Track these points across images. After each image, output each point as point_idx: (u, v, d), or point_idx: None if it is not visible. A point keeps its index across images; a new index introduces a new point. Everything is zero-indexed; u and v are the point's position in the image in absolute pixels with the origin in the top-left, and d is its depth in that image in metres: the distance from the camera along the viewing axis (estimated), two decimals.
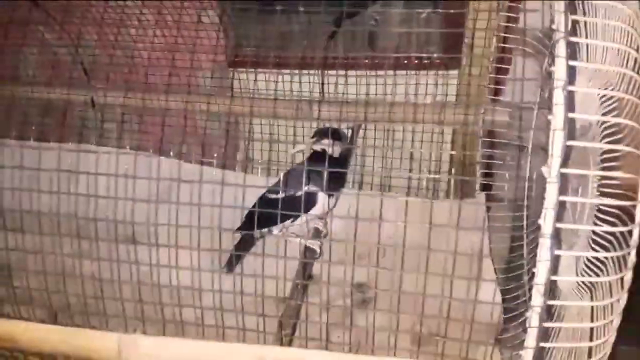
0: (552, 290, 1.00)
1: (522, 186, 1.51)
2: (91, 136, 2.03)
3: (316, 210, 1.27)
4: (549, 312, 0.85)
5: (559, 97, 0.67)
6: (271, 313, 0.87)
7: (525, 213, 1.44)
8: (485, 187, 1.62)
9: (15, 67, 2.00)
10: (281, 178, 1.28)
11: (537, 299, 0.70)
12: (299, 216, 1.22)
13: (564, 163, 0.68)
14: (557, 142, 0.66)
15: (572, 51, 0.73)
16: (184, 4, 1.56)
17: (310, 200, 1.24)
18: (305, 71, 1.75)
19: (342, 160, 1.30)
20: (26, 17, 1.75)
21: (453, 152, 1.81)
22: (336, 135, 1.29)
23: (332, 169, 1.18)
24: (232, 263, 1.15)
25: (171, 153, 1.70)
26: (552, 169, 0.67)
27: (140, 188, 0.86)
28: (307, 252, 1.24)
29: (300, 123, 1.79)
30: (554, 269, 0.73)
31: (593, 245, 0.88)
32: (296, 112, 1.70)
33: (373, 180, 1.69)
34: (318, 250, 1.26)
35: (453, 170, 1.59)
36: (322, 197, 1.25)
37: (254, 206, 1.16)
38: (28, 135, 1.88)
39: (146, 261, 0.85)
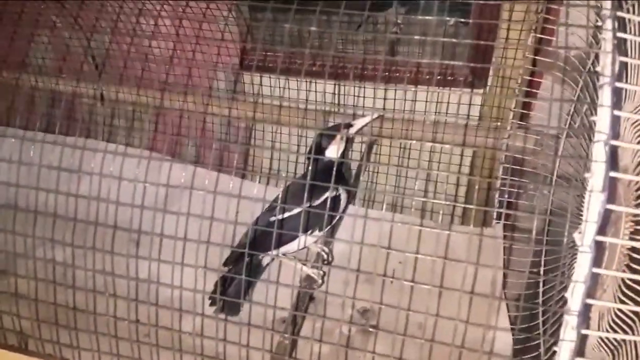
0: None
1: (542, 218, 1.41)
2: (99, 132, 1.97)
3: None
4: None
5: (600, 153, 0.57)
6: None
7: (543, 248, 1.35)
8: (504, 217, 1.52)
9: (25, 55, 1.94)
10: (280, 195, 1.15)
11: None
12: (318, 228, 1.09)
13: (601, 230, 0.58)
14: (594, 206, 0.57)
15: (618, 98, 0.63)
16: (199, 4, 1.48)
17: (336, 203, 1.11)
18: (320, 81, 1.67)
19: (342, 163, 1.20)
20: (39, 5, 1.69)
21: (475, 177, 1.70)
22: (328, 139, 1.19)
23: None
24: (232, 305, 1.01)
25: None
26: (586, 237, 0.57)
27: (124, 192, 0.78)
28: (307, 280, 1.14)
29: (309, 133, 1.70)
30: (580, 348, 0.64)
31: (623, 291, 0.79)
32: (305, 120, 1.63)
33: (385, 200, 1.60)
34: (319, 281, 1.16)
35: (475, 198, 1.48)
36: (344, 196, 1.14)
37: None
38: (33, 125, 1.84)
39: (124, 292, 0.78)
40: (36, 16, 1.70)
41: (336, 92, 1.69)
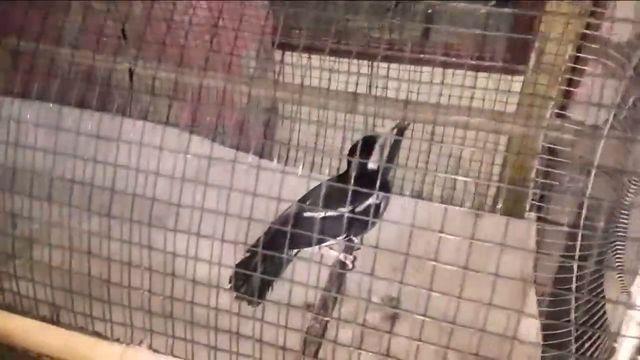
0: None
1: (578, 212, 1.37)
2: (126, 107, 1.95)
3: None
4: None
5: None
6: (293, 341, 0.77)
7: (579, 242, 1.30)
8: (537, 209, 1.48)
9: (60, 31, 1.92)
10: (319, 192, 1.12)
11: None
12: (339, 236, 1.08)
13: None
14: None
15: None
16: None
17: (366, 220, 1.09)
18: (354, 61, 1.63)
19: (383, 171, 1.16)
20: None
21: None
22: (369, 148, 1.16)
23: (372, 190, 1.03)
24: (255, 294, 0.99)
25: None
26: None
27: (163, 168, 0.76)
28: (339, 265, 1.12)
29: (343, 116, 1.67)
30: None
31: None
32: (340, 104, 1.59)
33: (414, 187, 1.57)
34: (350, 266, 1.14)
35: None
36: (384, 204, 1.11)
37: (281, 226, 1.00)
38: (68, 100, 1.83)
39: (161, 266, 0.76)
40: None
41: (367, 72, 1.65)
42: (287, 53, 1.70)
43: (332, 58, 1.66)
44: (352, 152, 1.19)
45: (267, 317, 0.76)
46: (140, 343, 0.74)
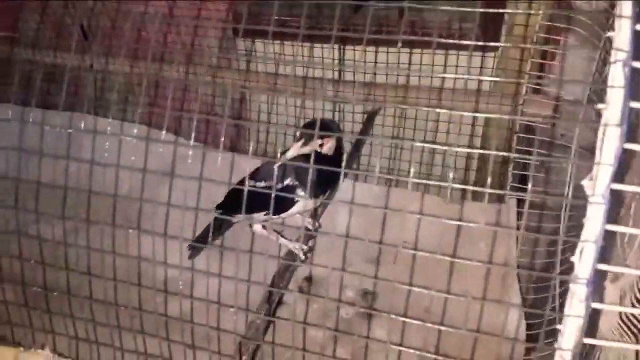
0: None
1: (562, 192, 1.28)
2: (89, 106, 1.88)
3: (293, 211, 1.07)
4: None
5: (618, 76, 0.44)
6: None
7: (562, 224, 1.21)
8: (519, 191, 1.38)
9: (14, 27, 1.86)
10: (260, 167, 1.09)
11: None
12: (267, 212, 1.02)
13: (619, 175, 0.45)
14: (609, 143, 0.44)
15: None
16: None
17: (285, 200, 1.04)
18: (325, 45, 1.55)
19: (336, 158, 1.08)
20: None
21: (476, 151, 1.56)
22: (326, 129, 1.07)
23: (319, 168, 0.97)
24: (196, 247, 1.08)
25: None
26: (598, 183, 0.45)
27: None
28: (289, 256, 1.03)
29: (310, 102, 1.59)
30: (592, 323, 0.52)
31: None
32: (306, 90, 1.51)
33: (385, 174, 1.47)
34: (302, 257, 1.05)
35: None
36: (302, 200, 1.03)
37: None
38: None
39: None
40: None
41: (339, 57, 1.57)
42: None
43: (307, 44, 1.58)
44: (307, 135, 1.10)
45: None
46: (42, 346, 0.66)
